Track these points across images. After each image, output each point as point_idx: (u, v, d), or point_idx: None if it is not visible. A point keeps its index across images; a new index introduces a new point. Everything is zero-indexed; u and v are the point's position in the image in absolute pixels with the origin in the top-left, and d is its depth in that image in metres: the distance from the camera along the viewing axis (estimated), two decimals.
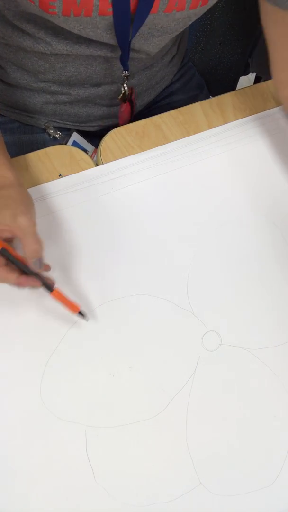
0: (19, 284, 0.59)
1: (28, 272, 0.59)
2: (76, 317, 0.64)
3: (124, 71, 0.74)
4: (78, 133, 0.88)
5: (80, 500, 0.58)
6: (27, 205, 0.61)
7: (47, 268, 0.62)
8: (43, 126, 0.88)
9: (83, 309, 0.63)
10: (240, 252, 0.71)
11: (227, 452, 0.61)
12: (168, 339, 0.66)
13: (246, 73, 1.12)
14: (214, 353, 0.66)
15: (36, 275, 0.59)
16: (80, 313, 0.63)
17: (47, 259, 0.66)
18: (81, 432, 0.61)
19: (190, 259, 0.70)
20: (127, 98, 0.80)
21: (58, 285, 0.62)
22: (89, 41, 0.69)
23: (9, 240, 0.61)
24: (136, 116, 0.91)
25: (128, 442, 0.61)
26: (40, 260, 0.59)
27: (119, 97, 0.79)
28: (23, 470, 0.59)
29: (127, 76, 0.76)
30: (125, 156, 0.75)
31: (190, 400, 0.63)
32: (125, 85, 0.77)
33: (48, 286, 0.61)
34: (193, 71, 0.98)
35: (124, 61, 0.72)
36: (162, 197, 0.73)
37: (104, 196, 0.72)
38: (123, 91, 0.78)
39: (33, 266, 0.58)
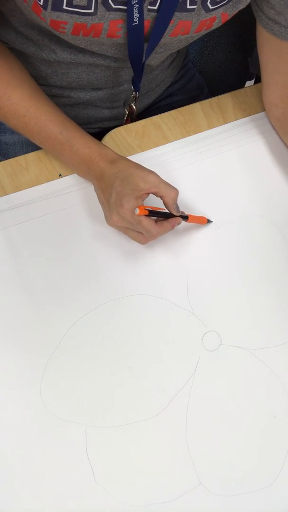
0: (172, 228, 0.66)
1: (169, 216, 0.66)
2: (73, 320, 0.64)
3: (134, 92, 0.76)
4: None
5: (80, 500, 0.58)
6: (143, 166, 0.65)
7: (182, 212, 0.68)
8: None
9: (208, 218, 0.72)
10: (240, 252, 0.71)
11: (227, 452, 0.61)
12: (168, 339, 0.66)
13: (251, 77, 1.12)
14: (214, 353, 0.65)
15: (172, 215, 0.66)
16: (208, 221, 0.72)
17: (49, 258, 0.65)
18: (81, 432, 0.61)
19: (191, 259, 0.70)
20: (132, 117, 0.81)
21: (58, 285, 0.62)
22: (93, 51, 0.69)
23: None
24: (136, 116, 0.91)
25: (128, 442, 0.61)
26: (177, 205, 0.66)
27: (125, 117, 0.81)
28: (23, 470, 0.59)
29: (136, 98, 0.77)
30: (125, 156, 0.75)
31: (190, 400, 0.63)
32: (133, 104, 0.79)
33: (185, 217, 0.68)
34: (193, 72, 0.98)
35: (136, 82, 0.73)
36: None
37: None
38: (127, 112, 0.80)
39: (175, 211, 0.65)
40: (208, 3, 0.62)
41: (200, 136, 0.78)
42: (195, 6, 0.62)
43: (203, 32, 0.67)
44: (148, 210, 0.62)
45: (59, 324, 0.65)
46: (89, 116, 0.86)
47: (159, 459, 0.60)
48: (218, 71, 1.07)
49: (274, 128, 0.80)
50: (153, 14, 0.61)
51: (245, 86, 1.12)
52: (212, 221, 0.72)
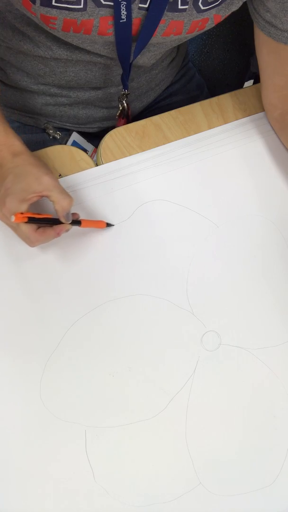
0: (58, 235, 0.62)
1: (57, 222, 0.62)
2: (73, 320, 0.64)
3: (124, 90, 0.76)
4: (78, 133, 0.88)
5: (80, 500, 0.58)
6: (44, 165, 0.62)
7: (76, 216, 0.65)
8: (42, 127, 0.88)
9: (108, 221, 0.69)
10: (239, 252, 0.71)
11: (227, 452, 0.61)
12: (168, 339, 0.66)
13: (251, 77, 1.12)
14: (214, 353, 0.66)
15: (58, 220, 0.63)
16: (108, 225, 0.68)
17: (49, 257, 0.66)
18: (81, 432, 0.61)
19: (190, 259, 0.70)
20: (125, 115, 0.81)
21: (58, 285, 0.62)
22: (87, 50, 0.69)
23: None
24: (136, 116, 0.91)
25: (128, 442, 0.61)
26: (69, 213, 0.62)
27: (117, 114, 0.81)
28: (23, 471, 0.59)
29: (127, 95, 0.77)
30: (125, 156, 0.75)
31: (190, 400, 0.63)
32: (124, 102, 0.78)
33: (77, 222, 0.65)
34: (193, 72, 0.98)
35: (125, 80, 0.73)
36: (162, 197, 0.73)
37: (104, 196, 0.72)
38: (121, 108, 0.79)
39: (64, 219, 0.62)
40: (200, 4, 0.62)
41: (200, 136, 0.78)
42: (186, 7, 0.61)
43: (196, 33, 0.67)
44: (29, 217, 0.59)
45: (58, 324, 0.65)
46: (88, 116, 0.86)
47: (159, 459, 0.60)
48: (217, 70, 1.07)
49: (273, 129, 0.80)
50: (144, 12, 0.61)
51: (244, 85, 1.12)
52: (113, 225, 0.69)
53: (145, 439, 0.61)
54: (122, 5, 0.59)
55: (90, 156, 0.77)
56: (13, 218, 0.57)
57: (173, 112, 0.79)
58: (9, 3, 0.66)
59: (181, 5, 0.61)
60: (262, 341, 0.67)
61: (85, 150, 0.85)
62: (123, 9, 0.59)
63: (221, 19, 0.66)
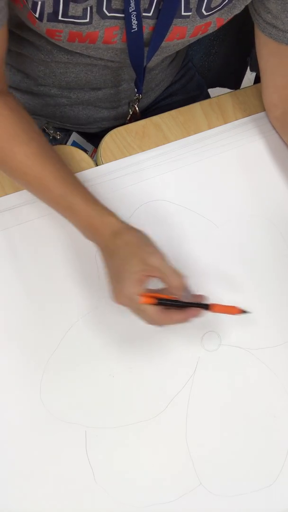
0: (186, 320, 0.58)
1: (184, 304, 0.58)
2: (73, 321, 0.64)
3: (137, 94, 0.76)
4: (77, 133, 0.88)
5: (80, 501, 0.58)
6: (148, 243, 0.59)
7: (202, 298, 0.60)
8: (42, 127, 0.88)
9: (241, 307, 0.61)
10: (239, 252, 0.71)
11: (227, 452, 0.61)
12: (168, 339, 0.65)
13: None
14: (214, 354, 0.65)
15: (191, 303, 0.58)
16: (243, 311, 0.61)
17: (49, 258, 0.66)
18: (81, 433, 0.61)
19: (189, 259, 0.70)
20: (135, 119, 0.81)
21: (58, 286, 0.62)
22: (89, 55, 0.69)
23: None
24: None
25: (128, 443, 0.61)
26: (187, 291, 0.57)
27: (128, 118, 0.81)
28: (23, 471, 0.59)
29: (139, 99, 0.77)
30: (125, 156, 0.75)
31: (190, 400, 0.63)
32: (136, 106, 0.79)
33: (204, 306, 0.59)
34: (193, 72, 0.98)
35: (139, 85, 0.73)
36: (162, 197, 0.73)
37: (104, 196, 0.72)
38: (131, 113, 0.80)
39: (184, 299, 0.57)
40: (203, 10, 0.62)
41: (200, 136, 0.78)
42: (190, 13, 0.62)
43: (199, 36, 0.68)
44: (156, 298, 0.56)
45: (59, 325, 0.65)
46: (88, 116, 0.86)
47: (159, 460, 0.60)
48: (218, 73, 1.07)
49: (274, 128, 0.80)
50: (148, 20, 0.62)
51: (245, 78, 1.12)
52: (250, 312, 0.61)
53: (146, 440, 0.61)
54: (132, 15, 0.60)
55: (90, 156, 0.77)
56: (140, 299, 0.55)
57: (173, 112, 0.79)
58: (10, 11, 0.66)
59: (184, 12, 0.62)
60: (262, 341, 0.67)
61: (85, 150, 0.85)
62: (133, 19, 0.60)
63: (224, 22, 0.66)
